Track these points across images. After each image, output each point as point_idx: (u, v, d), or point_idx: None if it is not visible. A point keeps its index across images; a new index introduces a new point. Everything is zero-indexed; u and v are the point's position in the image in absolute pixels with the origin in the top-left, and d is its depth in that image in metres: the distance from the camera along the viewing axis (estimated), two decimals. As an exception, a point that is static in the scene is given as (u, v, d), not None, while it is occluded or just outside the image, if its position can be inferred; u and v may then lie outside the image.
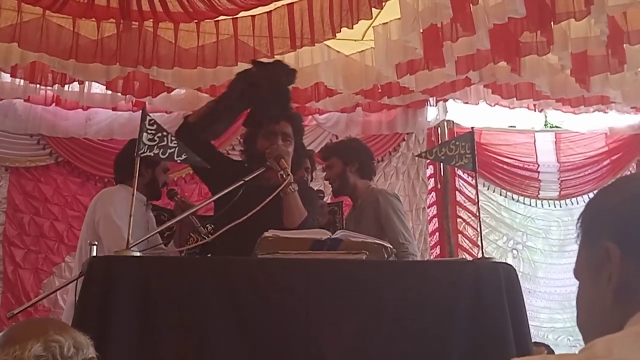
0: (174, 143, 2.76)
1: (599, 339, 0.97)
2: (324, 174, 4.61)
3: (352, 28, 4.41)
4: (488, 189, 7.09)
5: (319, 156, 4.67)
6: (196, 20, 4.76)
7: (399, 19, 4.52)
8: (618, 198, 1.12)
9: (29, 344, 1.63)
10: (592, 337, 1.04)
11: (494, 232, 7.07)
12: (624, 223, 1.09)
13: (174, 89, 5.72)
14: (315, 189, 4.83)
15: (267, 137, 3.42)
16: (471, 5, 4.11)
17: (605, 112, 6.66)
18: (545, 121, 7.40)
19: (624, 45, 4.68)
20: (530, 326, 2.82)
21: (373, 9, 4.23)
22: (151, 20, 4.72)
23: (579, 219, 1.19)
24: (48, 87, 5.75)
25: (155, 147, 2.71)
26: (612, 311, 1.07)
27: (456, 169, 6.65)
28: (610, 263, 1.08)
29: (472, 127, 3.22)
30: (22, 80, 5.61)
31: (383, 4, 4.14)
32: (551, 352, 5.44)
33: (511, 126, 7.31)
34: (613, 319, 1.06)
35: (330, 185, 4.49)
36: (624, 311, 1.04)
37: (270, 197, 3.00)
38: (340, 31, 4.48)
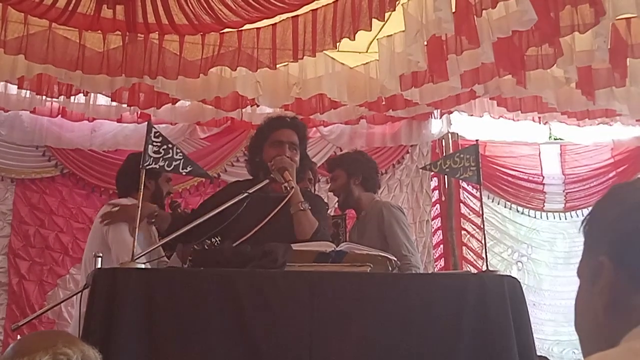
0: (179, 155, 2.77)
1: (594, 356, 0.97)
2: (328, 186, 4.62)
3: (354, 39, 4.41)
4: (493, 201, 7.08)
5: (324, 168, 4.67)
6: (201, 33, 4.78)
7: (404, 31, 4.53)
8: (618, 210, 1.10)
9: (37, 357, 1.64)
10: (586, 342, 1.07)
11: (498, 244, 7.05)
12: (620, 238, 1.07)
13: (179, 101, 5.74)
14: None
15: (274, 147, 3.40)
16: (475, 18, 4.12)
17: (610, 125, 6.66)
18: (550, 134, 7.39)
19: (628, 59, 4.68)
20: (535, 339, 2.81)
21: (376, 21, 4.23)
22: (157, 32, 4.74)
23: (582, 221, 1.17)
24: (54, 99, 5.78)
25: (161, 159, 2.72)
26: (604, 323, 1.07)
27: (460, 181, 6.65)
28: (603, 278, 1.08)
29: (476, 140, 3.22)
30: (28, 92, 5.64)
31: (385, 14, 4.15)
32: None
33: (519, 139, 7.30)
34: (604, 331, 1.06)
35: (335, 197, 4.50)
36: (615, 325, 1.04)
37: (276, 209, 3.01)
38: (340, 41, 4.49)
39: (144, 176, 2.78)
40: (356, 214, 4.38)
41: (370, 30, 4.35)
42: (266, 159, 3.37)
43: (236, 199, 3.08)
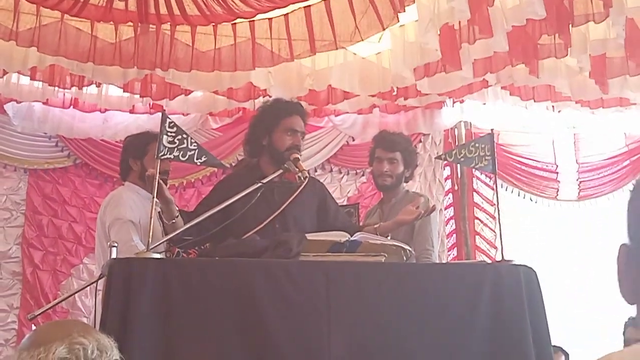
0: (194, 145, 2.77)
1: (614, 352, 0.97)
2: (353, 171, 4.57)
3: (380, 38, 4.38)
4: (506, 190, 7.03)
5: (336, 158, 4.60)
6: (213, 24, 4.77)
7: (416, 21, 4.51)
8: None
9: (53, 346, 1.65)
10: None
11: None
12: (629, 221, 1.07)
13: (191, 92, 5.74)
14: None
15: (289, 135, 3.40)
16: (488, 7, 4.09)
17: (624, 113, 6.60)
18: (564, 122, 7.33)
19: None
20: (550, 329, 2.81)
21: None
22: (169, 23, 4.74)
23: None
24: (66, 90, 5.78)
25: (175, 149, 2.72)
26: None
27: (473, 170, 6.61)
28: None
29: (491, 129, 3.22)
30: (40, 83, 5.64)
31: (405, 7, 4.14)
32: (567, 356, 5.42)
33: (532, 127, 7.24)
34: None
35: (348, 187, 4.46)
36: None
37: (292, 198, 3.05)
38: (368, 37, 4.47)
39: (158, 164, 2.79)
40: (384, 198, 4.34)
41: (399, 22, 4.32)
42: (279, 146, 3.37)
43: (250, 189, 3.09)
